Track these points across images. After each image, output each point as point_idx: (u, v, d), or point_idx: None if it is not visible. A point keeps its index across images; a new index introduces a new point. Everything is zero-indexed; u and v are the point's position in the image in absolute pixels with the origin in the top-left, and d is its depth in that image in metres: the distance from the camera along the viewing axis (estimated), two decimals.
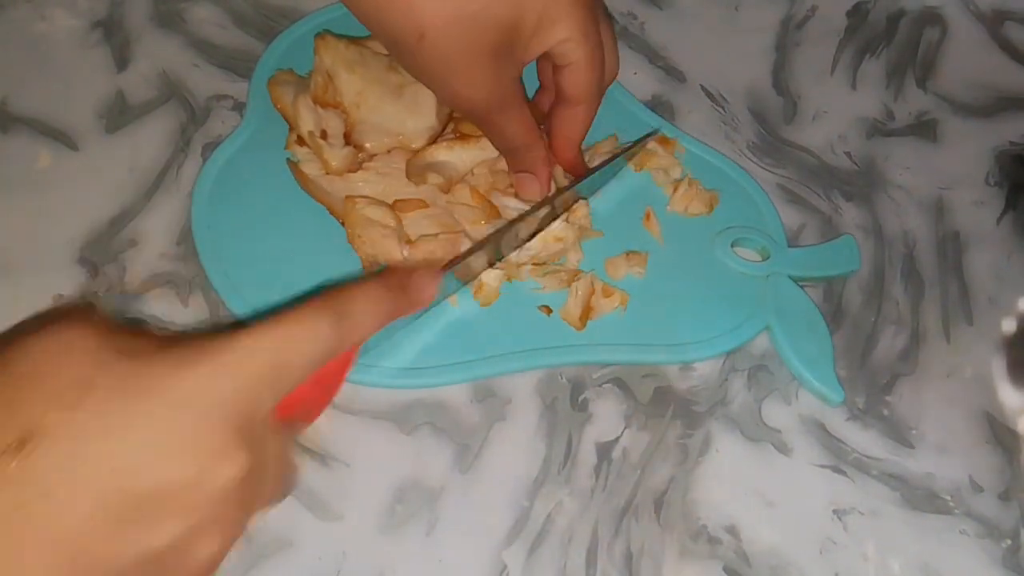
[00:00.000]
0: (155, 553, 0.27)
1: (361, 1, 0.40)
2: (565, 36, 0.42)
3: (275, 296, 0.44)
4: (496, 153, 0.47)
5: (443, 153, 0.47)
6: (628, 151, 0.50)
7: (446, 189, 0.47)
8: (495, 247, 0.45)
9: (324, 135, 0.47)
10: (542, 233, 0.47)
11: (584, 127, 0.46)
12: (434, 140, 0.48)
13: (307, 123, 0.47)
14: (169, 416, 0.27)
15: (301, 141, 0.48)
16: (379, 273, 0.36)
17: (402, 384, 0.43)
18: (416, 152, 0.48)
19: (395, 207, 0.46)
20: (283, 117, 0.49)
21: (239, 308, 0.44)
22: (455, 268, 0.42)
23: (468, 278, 0.45)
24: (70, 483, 0.26)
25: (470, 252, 0.43)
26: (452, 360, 0.43)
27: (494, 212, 0.47)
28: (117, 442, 0.26)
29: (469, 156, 0.48)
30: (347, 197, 0.45)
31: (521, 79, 0.44)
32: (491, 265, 0.46)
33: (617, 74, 0.47)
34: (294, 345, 0.30)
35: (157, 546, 0.27)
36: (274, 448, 0.31)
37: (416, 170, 0.47)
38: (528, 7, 0.40)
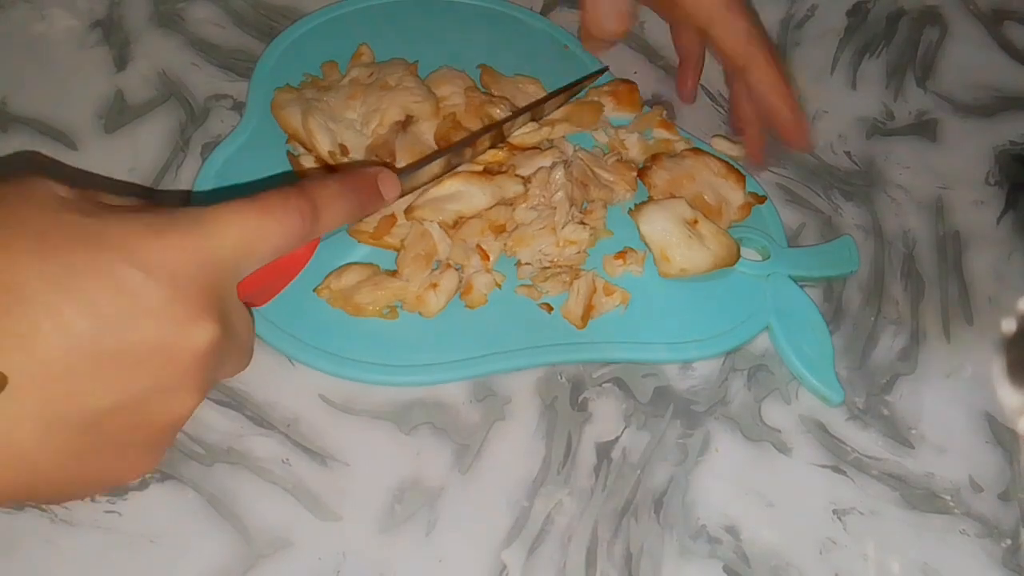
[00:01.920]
0: (124, 405, 0.29)
1: None
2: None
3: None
4: (511, 192, 0.47)
5: (459, 184, 0.46)
6: (574, 87, 0.52)
7: (452, 224, 0.46)
8: (447, 161, 0.45)
9: (344, 150, 0.47)
10: (555, 237, 0.46)
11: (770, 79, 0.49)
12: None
13: (324, 144, 0.47)
14: (139, 279, 0.28)
15: (320, 160, 0.47)
16: (341, 171, 0.37)
17: (405, 382, 0.43)
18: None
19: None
20: (296, 140, 0.48)
21: None
22: (410, 174, 0.43)
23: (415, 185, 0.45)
24: (43, 332, 0.27)
25: (427, 160, 0.44)
26: (453, 357, 0.43)
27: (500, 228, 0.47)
28: (88, 297, 0.27)
29: (485, 193, 0.47)
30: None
31: None
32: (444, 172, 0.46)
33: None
34: (264, 231, 0.31)
35: (125, 399, 0.28)
36: (239, 321, 0.32)
37: (426, 206, 0.46)
38: None
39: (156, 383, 0.29)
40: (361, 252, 0.46)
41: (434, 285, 0.44)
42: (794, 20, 0.61)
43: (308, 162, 0.47)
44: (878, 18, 0.62)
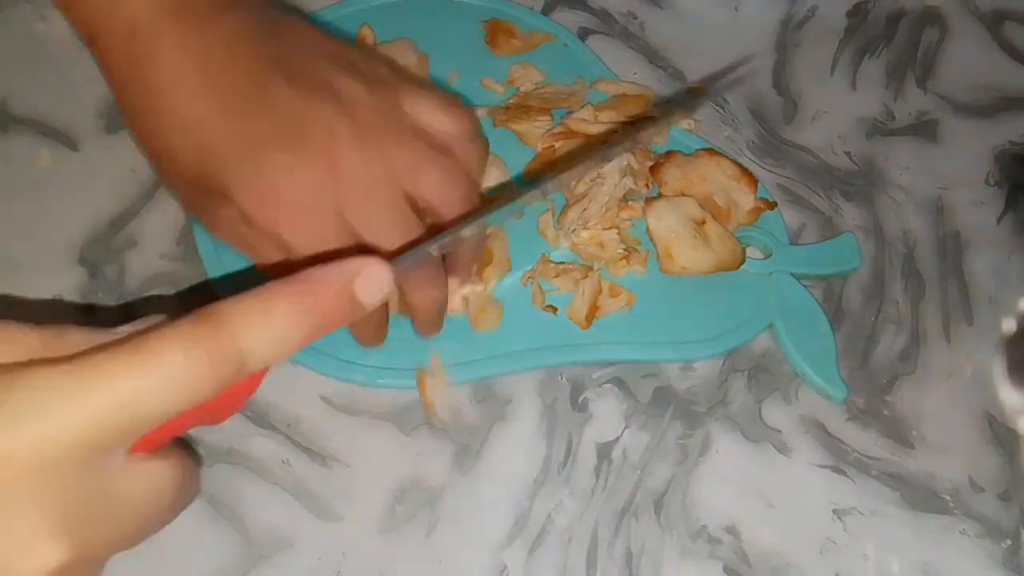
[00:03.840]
0: None
1: None
2: None
3: None
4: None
5: None
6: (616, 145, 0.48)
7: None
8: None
9: None
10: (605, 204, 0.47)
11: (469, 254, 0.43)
12: None
13: None
14: None
15: None
16: (290, 273, 0.25)
17: (410, 386, 0.43)
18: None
19: None
20: None
21: None
22: (408, 260, 0.33)
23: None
24: None
25: (430, 240, 0.34)
26: (457, 360, 0.43)
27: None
28: None
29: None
30: None
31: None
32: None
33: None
34: (148, 392, 0.22)
35: None
36: (135, 493, 0.25)
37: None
38: None
39: None
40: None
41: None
42: (794, 20, 0.61)
43: None
44: (878, 18, 0.62)
